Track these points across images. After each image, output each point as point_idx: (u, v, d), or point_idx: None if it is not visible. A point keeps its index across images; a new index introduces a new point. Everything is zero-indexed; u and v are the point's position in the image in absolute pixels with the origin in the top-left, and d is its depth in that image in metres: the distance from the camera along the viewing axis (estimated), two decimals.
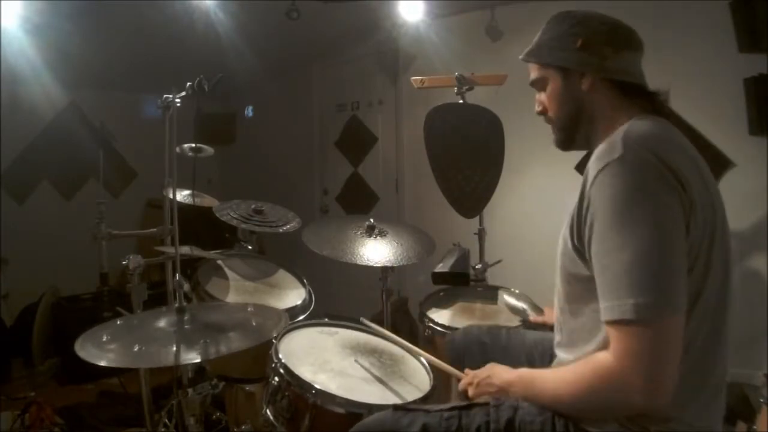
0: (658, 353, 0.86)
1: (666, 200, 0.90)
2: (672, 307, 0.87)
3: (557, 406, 1.03)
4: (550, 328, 1.61)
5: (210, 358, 1.23)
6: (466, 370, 1.30)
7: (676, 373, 0.88)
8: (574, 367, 1.00)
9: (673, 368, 0.87)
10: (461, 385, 1.27)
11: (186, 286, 1.75)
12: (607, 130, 1.07)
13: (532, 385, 1.08)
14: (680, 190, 0.91)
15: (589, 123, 1.14)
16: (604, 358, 0.91)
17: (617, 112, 1.10)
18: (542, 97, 1.21)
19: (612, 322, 0.90)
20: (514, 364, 1.25)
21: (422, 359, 1.59)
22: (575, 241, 1.01)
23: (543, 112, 1.22)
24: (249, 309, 1.56)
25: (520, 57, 1.23)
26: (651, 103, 1.10)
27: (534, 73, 1.21)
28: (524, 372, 1.14)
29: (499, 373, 1.18)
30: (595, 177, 0.95)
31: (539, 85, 1.21)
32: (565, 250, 1.06)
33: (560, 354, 1.16)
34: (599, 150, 0.99)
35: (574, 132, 1.17)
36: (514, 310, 2.07)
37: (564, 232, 1.07)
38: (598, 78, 1.11)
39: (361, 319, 1.73)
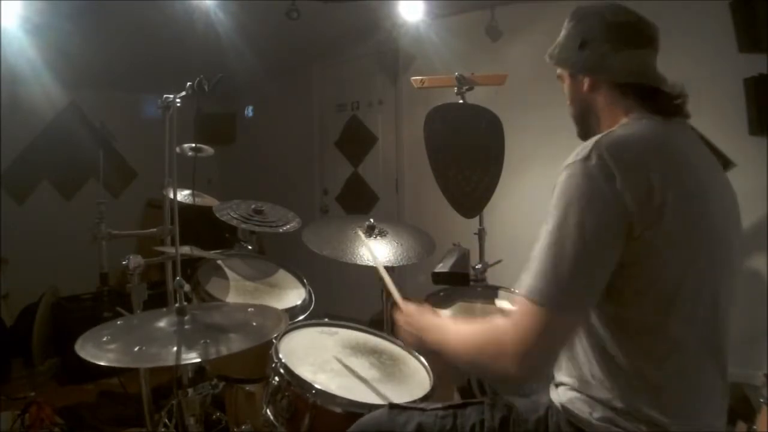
0: (542, 336, 0.93)
1: (605, 207, 0.91)
2: (568, 307, 0.93)
3: (454, 354, 1.11)
4: None
5: (210, 358, 1.23)
6: (405, 303, 1.34)
7: (553, 361, 1.00)
8: (479, 324, 1.09)
9: (552, 356, 0.98)
10: (397, 317, 1.32)
11: (186, 287, 1.75)
12: (610, 129, 1.06)
13: (443, 335, 1.15)
14: (640, 196, 0.90)
15: (596, 121, 1.15)
16: (502, 321, 1.00)
17: (617, 111, 1.09)
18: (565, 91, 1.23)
19: (520, 294, 0.97)
20: None
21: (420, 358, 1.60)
22: None
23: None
24: (249, 310, 1.55)
25: (546, 57, 1.23)
26: (656, 101, 1.07)
27: (558, 69, 1.22)
28: (442, 321, 1.21)
29: (422, 315, 1.24)
30: (560, 173, 0.98)
31: (561, 80, 1.22)
32: None
33: None
34: (575, 150, 1.00)
35: (587, 127, 1.19)
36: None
37: None
38: (597, 78, 1.11)
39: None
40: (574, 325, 0.97)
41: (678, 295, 0.93)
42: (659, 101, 1.07)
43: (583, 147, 0.97)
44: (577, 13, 1.14)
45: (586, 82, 1.12)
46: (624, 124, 1.04)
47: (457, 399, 1.47)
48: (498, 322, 1.02)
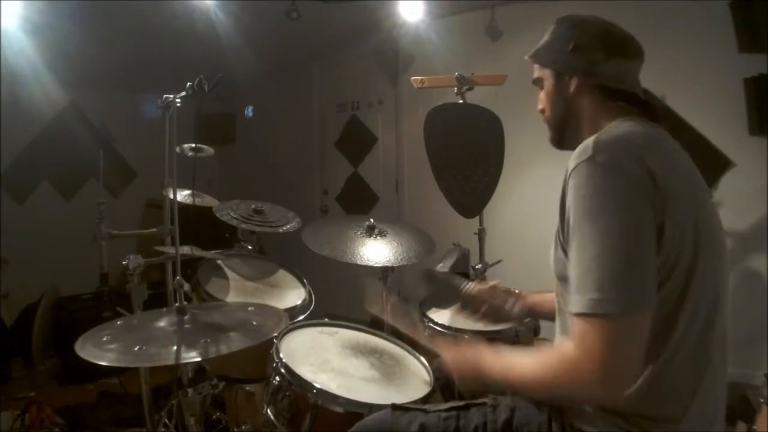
0: (617, 348, 0.88)
1: (634, 199, 0.92)
2: (634, 304, 0.89)
3: (523, 390, 1.09)
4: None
5: (210, 357, 1.23)
6: (446, 345, 1.31)
7: (637, 368, 0.91)
8: (540, 354, 1.05)
9: (634, 363, 0.90)
10: (444, 357, 1.28)
11: (186, 286, 1.75)
12: (592, 133, 1.07)
13: (505, 372, 1.11)
14: (651, 189, 0.92)
15: (576, 125, 1.17)
16: (568, 348, 0.94)
17: (602, 116, 1.11)
18: (542, 95, 1.24)
19: (576, 315, 0.92)
20: None
21: (421, 359, 1.60)
22: (562, 240, 1.03)
23: (542, 111, 1.25)
24: (249, 309, 1.55)
25: (525, 56, 1.25)
26: (641, 109, 1.11)
27: (535, 72, 1.24)
28: (500, 356, 1.15)
29: (475, 354, 1.19)
30: (568, 177, 0.97)
31: (539, 84, 1.24)
32: (556, 256, 1.07)
33: None
34: (574, 152, 1.01)
35: (563, 132, 1.21)
36: None
37: (554, 235, 1.09)
38: (585, 82, 1.13)
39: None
40: (645, 324, 0.90)
41: (687, 291, 0.94)
42: (643, 109, 1.11)
43: (584, 148, 0.97)
44: (569, 19, 1.16)
45: (573, 85, 1.14)
46: (614, 125, 1.06)
47: (439, 398, 1.47)
48: (562, 350, 0.98)
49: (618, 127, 1.04)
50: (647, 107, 1.12)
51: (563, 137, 1.21)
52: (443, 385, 1.49)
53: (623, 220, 0.91)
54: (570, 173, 0.97)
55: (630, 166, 0.93)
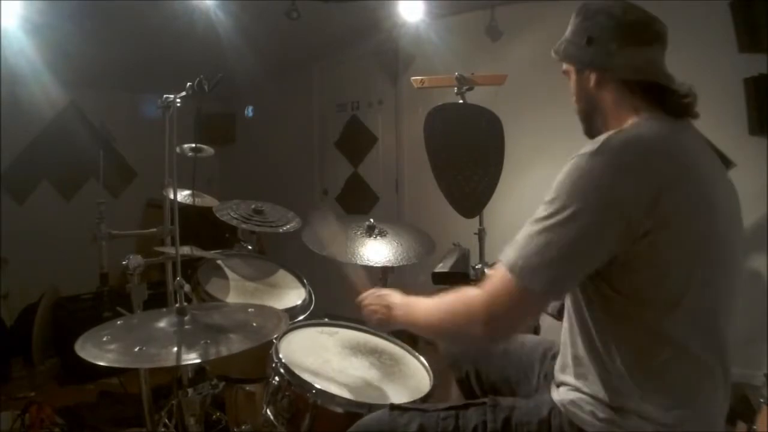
0: (514, 311, 1.00)
1: (605, 206, 0.91)
2: (549, 293, 0.99)
3: (424, 323, 1.19)
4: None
5: (210, 358, 1.23)
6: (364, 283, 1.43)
7: (512, 329, 1.10)
8: (451, 293, 1.12)
9: (512, 325, 1.06)
10: (358, 299, 1.40)
11: (186, 287, 1.75)
12: (618, 127, 1.05)
13: (412, 308, 1.23)
14: (645, 199, 0.91)
15: (601, 118, 1.14)
16: (475, 290, 1.04)
17: (624, 109, 1.08)
18: (571, 87, 1.22)
19: (505, 266, 0.99)
20: (514, 367, 1.31)
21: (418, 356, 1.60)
22: None
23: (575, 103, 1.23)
24: (249, 310, 1.55)
25: (552, 53, 1.22)
26: (664, 100, 1.06)
27: (563, 65, 1.22)
28: (410, 298, 1.27)
29: (389, 294, 1.32)
30: (568, 161, 0.98)
31: (567, 76, 1.22)
32: None
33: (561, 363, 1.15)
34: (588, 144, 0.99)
35: (591, 125, 1.19)
36: None
37: None
38: (603, 75, 1.10)
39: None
40: (546, 304, 1.05)
41: (683, 297, 0.93)
42: (667, 100, 1.07)
43: (594, 142, 0.96)
44: (584, 10, 1.13)
45: (592, 78, 1.12)
46: (634, 124, 1.03)
47: (455, 392, 1.47)
48: (471, 289, 1.06)
49: (636, 128, 1.01)
50: (672, 96, 1.06)
51: (592, 130, 1.18)
52: (458, 379, 1.48)
53: (586, 217, 0.92)
54: (571, 157, 0.97)
55: (628, 174, 0.92)
